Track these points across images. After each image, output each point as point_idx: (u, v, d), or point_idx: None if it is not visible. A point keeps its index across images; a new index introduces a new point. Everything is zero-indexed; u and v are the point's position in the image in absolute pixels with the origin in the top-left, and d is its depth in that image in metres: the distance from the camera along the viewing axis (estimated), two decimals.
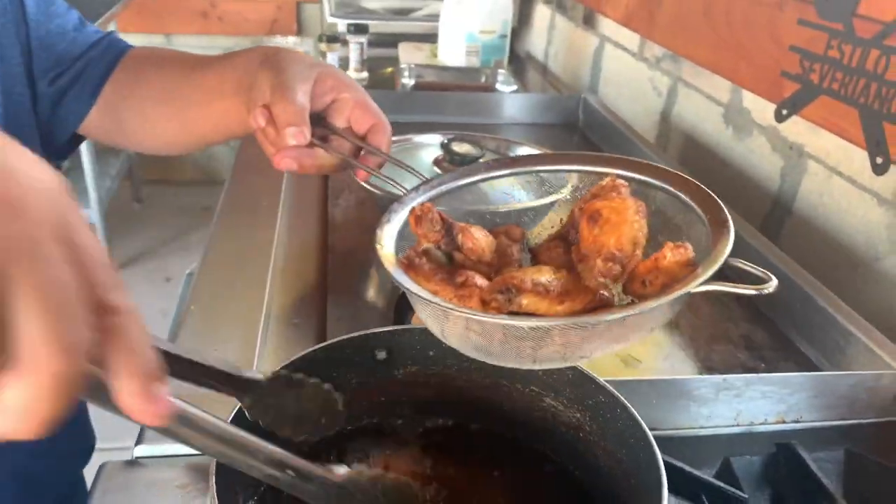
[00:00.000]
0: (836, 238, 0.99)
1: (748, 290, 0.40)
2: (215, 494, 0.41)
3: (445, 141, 0.95)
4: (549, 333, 0.41)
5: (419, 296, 0.44)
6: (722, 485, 0.57)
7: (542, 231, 0.57)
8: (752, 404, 0.64)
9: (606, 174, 0.52)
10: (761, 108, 1.15)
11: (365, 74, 1.79)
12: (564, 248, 0.50)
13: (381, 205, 0.64)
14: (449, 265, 0.50)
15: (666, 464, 0.56)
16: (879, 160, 0.88)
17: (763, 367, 0.73)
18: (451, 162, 0.93)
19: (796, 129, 1.07)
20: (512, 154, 1.03)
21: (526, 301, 0.43)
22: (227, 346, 0.72)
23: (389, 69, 1.87)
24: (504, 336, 0.42)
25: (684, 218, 0.49)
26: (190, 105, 0.69)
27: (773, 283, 0.40)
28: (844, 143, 0.95)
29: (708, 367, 0.73)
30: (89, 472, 0.72)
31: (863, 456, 0.61)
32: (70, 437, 0.77)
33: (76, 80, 0.70)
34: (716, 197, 0.47)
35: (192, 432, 0.34)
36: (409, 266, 0.48)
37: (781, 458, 0.61)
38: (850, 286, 0.94)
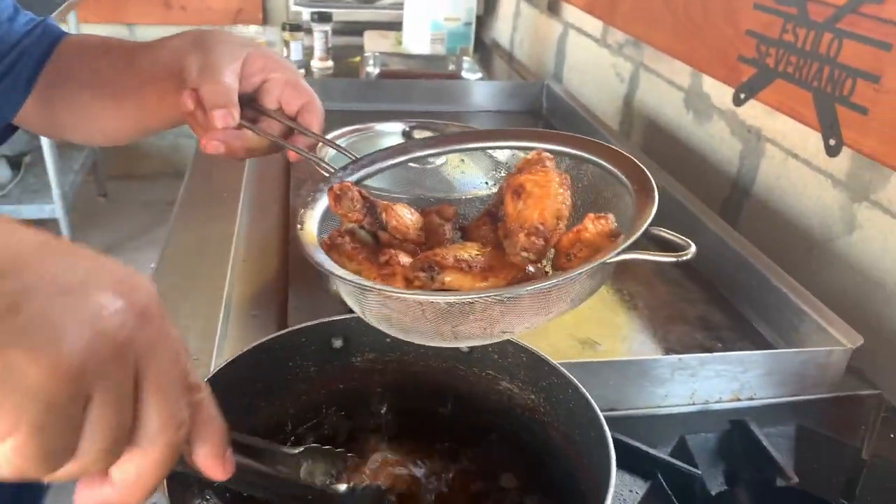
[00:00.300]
0: (792, 220, 1.01)
1: (666, 258, 0.40)
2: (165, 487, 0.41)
3: (407, 129, 0.95)
4: (468, 308, 0.41)
5: (333, 273, 0.44)
6: (677, 462, 0.58)
7: None
8: (707, 383, 0.65)
9: (535, 149, 0.51)
10: (720, 93, 1.16)
11: (330, 63, 1.77)
12: (493, 225, 0.50)
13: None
14: (375, 245, 0.49)
15: (622, 443, 0.58)
16: (832, 142, 0.89)
17: (720, 347, 0.75)
18: None
19: (754, 112, 1.09)
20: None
21: (449, 278, 0.42)
22: (185, 339, 0.71)
23: (357, 58, 1.85)
24: (422, 313, 0.42)
25: (614, 191, 0.48)
26: (124, 93, 0.67)
27: (691, 250, 0.40)
28: (800, 126, 0.97)
29: (666, 348, 0.74)
30: None
31: (813, 431, 0.62)
32: None
33: (10, 70, 0.68)
34: (643, 166, 0.47)
35: (244, 478, 0.40)
36: (330, 246, 0.47)
37: (735, 434, 0.62)
38: (805, 268, 0.96)
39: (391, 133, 1.01)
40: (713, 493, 0.59)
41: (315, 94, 0.64)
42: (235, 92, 0.59)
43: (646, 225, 0.41)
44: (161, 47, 0.65)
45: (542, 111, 1.48)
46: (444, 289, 0.42)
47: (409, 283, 0.43)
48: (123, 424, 0.28)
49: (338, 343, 0.54)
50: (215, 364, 0.66)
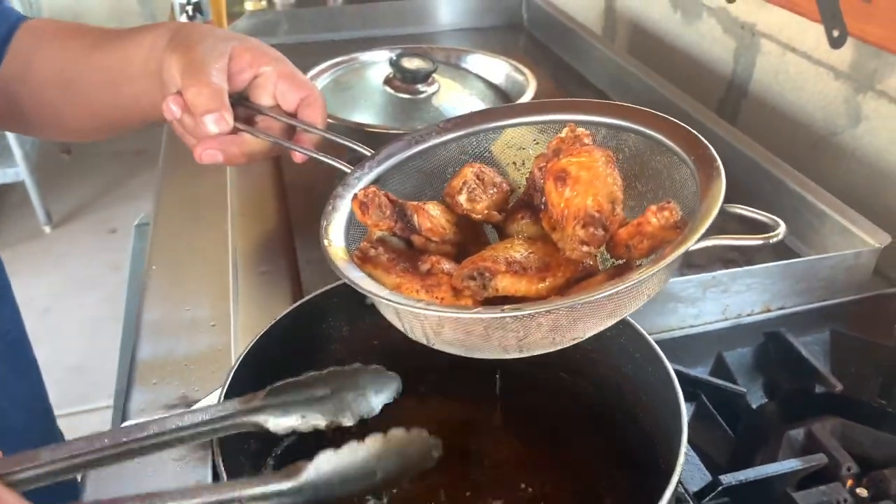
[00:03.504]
0: (793, 116, 0.99)
1: (753, 241, 0.37)
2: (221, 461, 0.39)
3: (394, 57, 0.90)
4: (536, 320, 0.37)
5: (380, 297, 0.40)
6: (719, 381, 0.58)
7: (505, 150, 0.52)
8: (738, 297, 0.64)
9: (567, 122, 0.47)
10: None
11: None
12: (532, 216, 0.46)
13: (337, 131, 0.57)
14: (410, 250, 0.45)
15: None
16: (836, 33, 0.86)
17: (741, 258, 0.74)
18: (402, 80, 0.89)
19: (747, 7, 1.05)
20: (464, 64, 0.99)
21: (503, 283, 0.39)
22: (198, 307, 0.69)
23: None
24: (485, 330, 0.38)
25: (663, 160, 0.44)
26: (95, 89, 0.61)
27: (781, 230, 0.38)
28: (797, 18, 0.93)
29: (687, 265, 0.73)
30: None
31: (846, 334, 0.62)
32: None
33: None
34: (696, 134, 0.43)
35: None
36: (364, 260, 0.43)
37: (771, 346, 0.62)
38: (810, 164, 0.95)
39: (376, 63, 0.96)
40: (754, 406, 0.59)
41: (314, 85, 0.57)
42: (226, 92, 0.53)
43: (718, 205, 0.38)
44: (132, 41, 0.58)
45: (524, 23, 1.42)
46: (497, 296, 0.39)
47: (457, 294, 0.39)
48: None
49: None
50: (234, 332, 0.64)
